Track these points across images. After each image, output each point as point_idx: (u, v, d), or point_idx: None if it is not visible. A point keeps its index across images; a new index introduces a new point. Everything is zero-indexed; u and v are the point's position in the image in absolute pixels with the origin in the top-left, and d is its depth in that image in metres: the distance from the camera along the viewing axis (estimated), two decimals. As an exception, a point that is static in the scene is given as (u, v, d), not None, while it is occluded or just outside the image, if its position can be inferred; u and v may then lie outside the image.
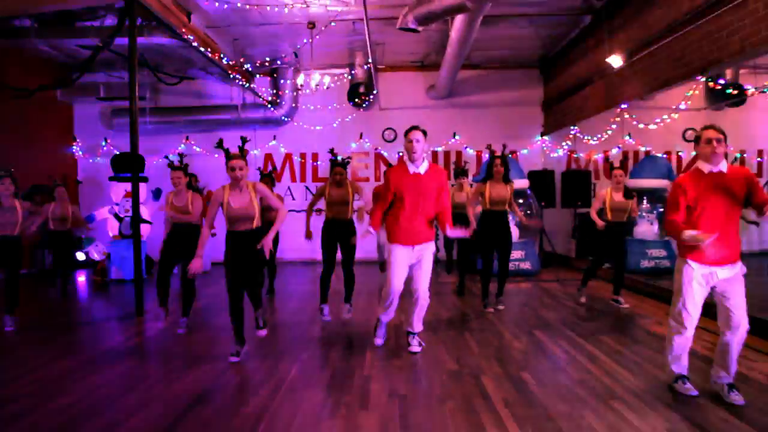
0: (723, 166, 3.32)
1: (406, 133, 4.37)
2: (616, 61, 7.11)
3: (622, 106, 7.43)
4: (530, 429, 2.98)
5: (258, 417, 3.20)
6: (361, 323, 5.51)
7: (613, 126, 8.19)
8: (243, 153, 4.27)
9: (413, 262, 4.43)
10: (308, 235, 5.66)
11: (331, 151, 5.84)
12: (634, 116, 7.71)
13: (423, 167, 4.36)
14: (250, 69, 10.09)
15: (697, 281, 3.33)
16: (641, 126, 7.85)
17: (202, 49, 8.04)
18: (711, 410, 3.22)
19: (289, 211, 5.86)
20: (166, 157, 7.87)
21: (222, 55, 8.58)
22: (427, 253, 4.43)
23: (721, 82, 5.40)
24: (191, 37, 7.61)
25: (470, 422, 3.10)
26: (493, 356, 4.37)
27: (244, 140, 4.51)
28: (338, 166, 5.52)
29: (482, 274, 6.17)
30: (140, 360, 4.54)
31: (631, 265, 8.47)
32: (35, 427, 3.13)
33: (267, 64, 10.03)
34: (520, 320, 5.63)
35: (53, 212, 7.11)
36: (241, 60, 9.64)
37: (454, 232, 4.47)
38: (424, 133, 4.37)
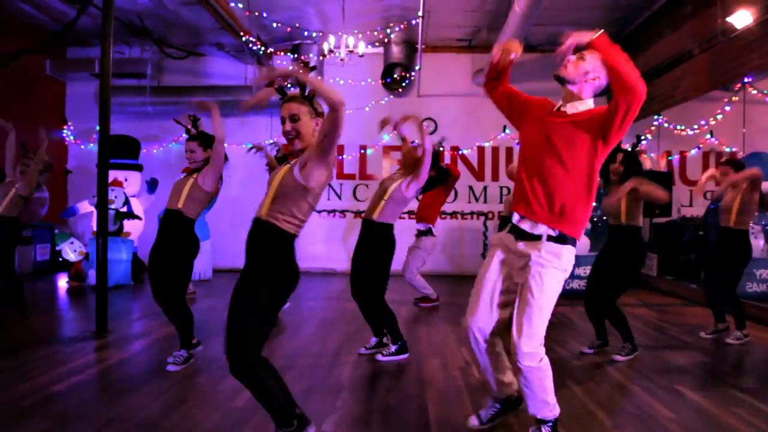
0: None
1: None
2: (743, 18, 5.41)
3: (746, 80, 5.69)
4: None
5: None
6: (410, 361, 3.84)
7: (727, 108, 6.44)
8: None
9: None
10: None
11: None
12: (764, 92, 5.95)
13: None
14: (269, 45, 8.57)
15: None
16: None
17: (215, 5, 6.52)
18: None
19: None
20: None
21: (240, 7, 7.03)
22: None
23: None
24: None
25: None
26: (642, 435, 2.65)
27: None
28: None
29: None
30: (81, 411, 2.87)
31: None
32: None
33: (289, 37, 8.50)
34: (640, 367, 3.86)
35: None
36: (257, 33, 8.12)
37: None
38: None
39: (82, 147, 9.66)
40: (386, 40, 8.86)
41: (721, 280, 4.61)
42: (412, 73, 9.01)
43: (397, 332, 3.91)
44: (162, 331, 4.71)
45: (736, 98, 6.17)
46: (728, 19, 5.57)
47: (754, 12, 5.35)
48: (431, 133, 9.55)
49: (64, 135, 9.71)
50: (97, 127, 9.41)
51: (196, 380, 3.40)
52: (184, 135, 9.71)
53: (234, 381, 2.25)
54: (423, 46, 8.82)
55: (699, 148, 9.28)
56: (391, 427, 2.69)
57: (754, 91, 5.87)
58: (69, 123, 9.72)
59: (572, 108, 2.41)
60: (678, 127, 7.43)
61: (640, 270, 4.10)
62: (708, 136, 9.00)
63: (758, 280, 7.00)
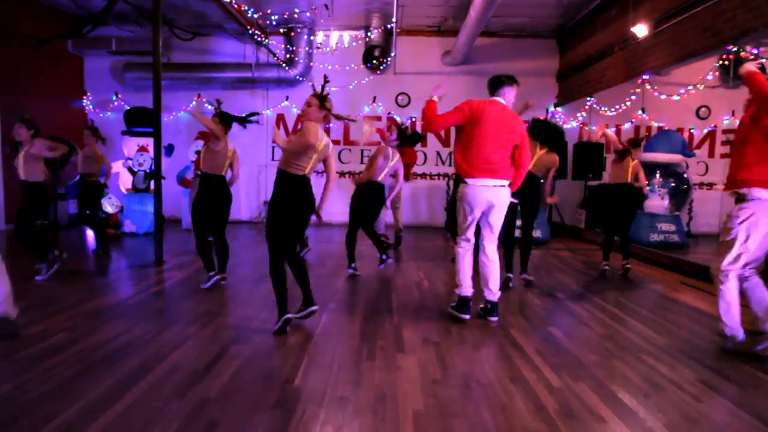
0: None
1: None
2: (641, 30, 7.07)
3: (644, 77, 7.40)
4: (566, 374, 3.07)
5: (297, 358, 3.28)
6: (382, 278, 5.61)
7: (633, 97, 8.18)
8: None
9: (488, 206, 4.00)
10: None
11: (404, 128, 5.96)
12: (655, 87, 7.70)
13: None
14: (266, 29, 9.96)
15: None
16: (663, 97, 7.83)
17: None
18: (737, 365, 3.32)
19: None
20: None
21: (246, 8, 8.42)
22: (504, 194, 4.05)
23: (755, 52, 5.38)
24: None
25: (506, 367, 3.19)
26: (518, 313, 4.46)
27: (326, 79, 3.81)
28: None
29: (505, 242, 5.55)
30: (169, 304, 4.59)
31: (641, 238, 8.58)
32: (81, 357, 3.19)
33: (284, 22, 9.89)
34: (537, 283, 5.69)
35: None
36: (257, 15, 9.49)
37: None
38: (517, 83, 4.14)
39: (101, 115, 11.02)
40: (366, 38, 10.31)
41: (625, 225, 6.20)
42: (389, 59, 10.49)
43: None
44: (199, 263, 6.38)
45: (639, 90, 7.88)
46: (632, 29, 7.21)
47: (648, 27, 7.00)
48: (404, 106, 11.14)
49: (84, 104, 11.04)
50: (113, 98, 10.87)
51: (228, 292, 5.10)
52: (190, 105, 11.14)
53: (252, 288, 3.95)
54: (398, 31, 10.31)
55: (632, 122, 11.05)
56: (369, 311, 4.42)
57: (648, 87, 7.57)
58: (88, 94, 11.05)
59: None
60: (602, 108, 9.16)
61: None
62: (639, 112, 10.76)
63: (659, 231, 8.89)
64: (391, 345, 3.53)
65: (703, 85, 7.43)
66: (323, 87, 3.75)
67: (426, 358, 3.29)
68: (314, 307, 3.92)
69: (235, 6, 8.18)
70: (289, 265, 3.83)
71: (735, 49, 5.60)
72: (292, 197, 3.67)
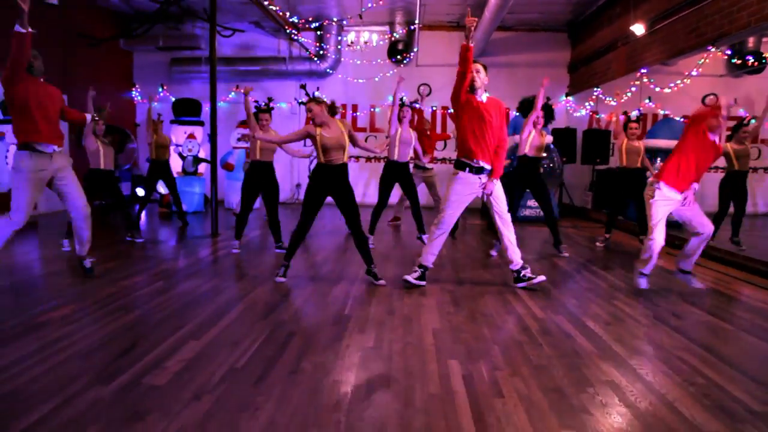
0: None
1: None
2: (638, 28, 7.86)
3: (642, 70, 8.20)
4: (549, 310, 4.03)
5: (344, 298, 4.29)
6: (407, 246, 6.59)
7: (633, 89, 8.97)
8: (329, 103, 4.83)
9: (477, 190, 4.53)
10: None
11: None
12: (652, 80, 8.49)
13: (484, 97, 4.44)
14: (298, 24, 10.93)
15: None
16: (657, 89, 8.63)
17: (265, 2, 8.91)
18: (683, 305, 4.24)
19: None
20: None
21: (287, 13, 9.41)
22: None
23: (728, 52, 6.11)
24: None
25: (503, 305, 4.16)
26: (519, 272, 5.41)
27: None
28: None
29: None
30: (233, 264, 5.63)
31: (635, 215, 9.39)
32: (179, 297, 4.25)
33: (316, 19, 10.83)
34: (541, 252, 6.62)
35: None
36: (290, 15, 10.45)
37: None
38: (484, 67, 4.44)
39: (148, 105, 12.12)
40: (391, 35, 11.20)
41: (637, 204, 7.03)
42: (411, 53, 11.40)
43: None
44: (249, 235, 7.44)
45: (638, 82, 8.67)
46: (631, 27, 8.00)
47: (644, 25, 7.78)
48: (427, 95, 12.01)
49: (133, 95, 12.17)
50: (159, 90, 11.94)
51: (279, 258, 6.11)
52: (230, 96, 12.08)
53: (298, 254, 4.95)
54: (420, 26, 11.18)
55: (639, 110, 11.78)
56: (397, 269, 5.41)
57: (645, 80, 8.36)
58: (136, 86, 12.16)
59: None
60: (607, 98, 9.95)
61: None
62: (647, 100, 11.50)
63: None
64: (415, 291, 4.52)
65: (696, 71, 8.10)
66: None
67: (442, 300, 4.28)
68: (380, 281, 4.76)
69: (281, 14, 9.14)
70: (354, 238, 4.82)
71: (713, 49, 6.39)
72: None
